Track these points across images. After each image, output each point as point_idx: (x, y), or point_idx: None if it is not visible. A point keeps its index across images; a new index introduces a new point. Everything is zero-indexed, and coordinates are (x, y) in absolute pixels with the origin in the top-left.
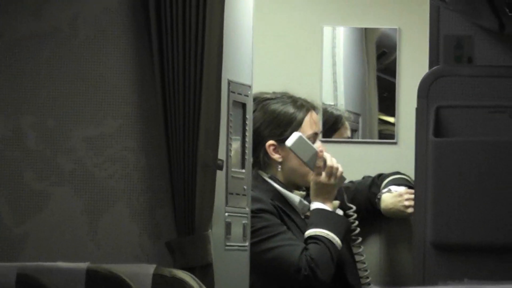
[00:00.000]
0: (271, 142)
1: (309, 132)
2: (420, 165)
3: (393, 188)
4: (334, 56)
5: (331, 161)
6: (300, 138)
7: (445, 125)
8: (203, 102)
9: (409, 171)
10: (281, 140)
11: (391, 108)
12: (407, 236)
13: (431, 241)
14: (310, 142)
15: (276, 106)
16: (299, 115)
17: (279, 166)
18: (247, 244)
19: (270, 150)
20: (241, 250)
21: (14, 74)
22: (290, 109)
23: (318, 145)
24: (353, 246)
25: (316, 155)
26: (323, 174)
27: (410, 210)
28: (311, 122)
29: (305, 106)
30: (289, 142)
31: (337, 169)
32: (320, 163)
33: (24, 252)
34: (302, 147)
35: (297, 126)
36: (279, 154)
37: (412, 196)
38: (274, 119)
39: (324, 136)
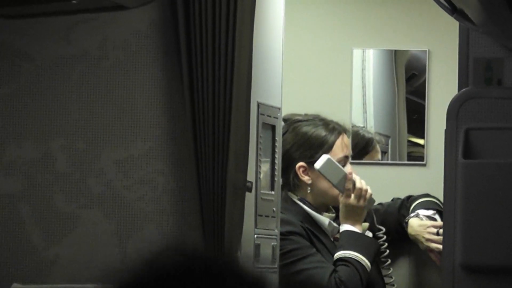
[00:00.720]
0: (301, 164)
1: (340, 155)
2: (449, 187)
3: (421, 212)
4: (364, 78)
5: (360, 183)
6: (328, 160)
7: (475, 147)
8: (233, 124)
9: (439, 193)
10: (312, 162)
11: (421, 130)
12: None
13: (461, 263)
14: (338, 165)
15: (308, 128)
16: (331, 138)
17: (309, 188)
18: (276, 266)
19: (300, 172)
20: (270, 272)
21: (45, 97)
22: (322, 132)
23: (348, 168)
24: (382, 268)
25: (345, 177)
26: (352, 196)
27: (428, 243)
28: (343, 145)
29: (336, 129)
30: (318, 164)
31: (366, 191)
32: (349, 185)
33: (54, 274)
34: (331, 170)
35: (328, 149)
36: (309, 176)
37: (434, 230)
38: (305, 141)
39: (354, 158)
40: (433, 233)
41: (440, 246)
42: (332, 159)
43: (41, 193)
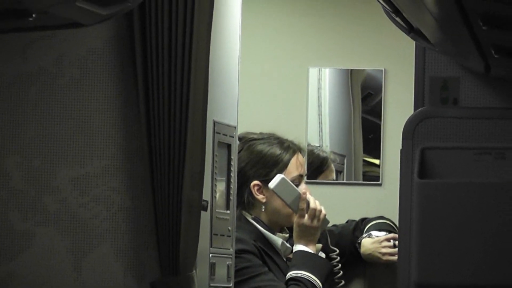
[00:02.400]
0: (256, 182)
1: (295, 174)
2: (404, 206)
3: (374, 233)
4: (320, 97)
5: (314, 203)
6: (283, 180)
7: (430, 167)
8: (189, 143)
9: (394, 212)
10: (266, 180)
11: (376, 149)
12: (391, 280)
13: (416, 283)
14: (293, 184)
15: (263, 147)
16: (286, 156)
17: (263, 207)
18: (231, 285)
19: (254, 190)
20: None
21: (0, 114)
22: (277, 150)
23: (303, 187)
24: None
25: (299, 197)
26: (306, 216)
27: (386, 257)
28: (297, 164)
29: (291, 147)
30: (272, 184)
31: (320, 211)
32: (303, 205)
33: None
34: (285, 189)
35: (283, 167)
36: (263, 195)
37: (390, 243)
38: (260, 159)
39: (309, 178)
40: (389, 246)
41: None
42: (286, 178)
43: None
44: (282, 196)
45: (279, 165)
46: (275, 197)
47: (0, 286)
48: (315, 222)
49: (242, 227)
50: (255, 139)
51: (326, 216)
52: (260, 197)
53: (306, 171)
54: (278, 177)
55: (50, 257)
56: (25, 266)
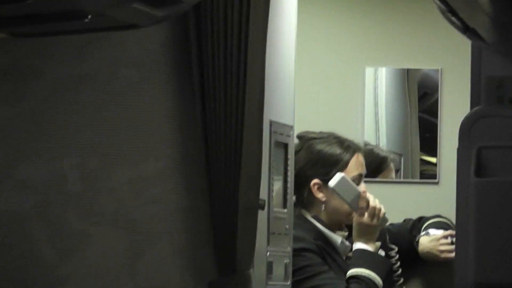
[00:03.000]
0: (316, 181)
1: (355, 173)
2: (461, 205)
3: (431, 231)
4: (376, 96)
5: (374, 202)
6: (343, 178)
7: (487, 166)
8: (245, 143)
9: (451, 211)
10: (326, 180)
11: (433, 148)
12: (449, 279)
13: (474, 282)
14: (353, 183)
15: (322, 146)
16: (346, 156)
17: (323, 206)
18: (288, 283)
19: (314, 189)
20: None
21: (57, 116)
22: (337, 150)
23: (362, 187)
24: (395, 286)
25: (359, 196)
26: (366, 215)
27: (444, 255)
28: (357, 164)
29: (351, 147)
30: (332, 182)
31: (380, 210)
32: (363, 204)
33: None
34: (345, 188)
35: (343, 166)
36: (323, 194)
37: (448, 241)
38: (320, 158)
39: (368, 177)
40: (447, 244)
41: None
42: (346, 177)
43: (53, 211)
44: (342, 195)
45: (339, 165)
46: (335, 195)
47: (58, 286)
48: (374, 221)
49: (301, 225)
50: (314, 138)
51: (386, 215)
52: (320, 195)
53: (365, 171)
54: (338, 176)
55: (107, 257)
56: (82, 267)
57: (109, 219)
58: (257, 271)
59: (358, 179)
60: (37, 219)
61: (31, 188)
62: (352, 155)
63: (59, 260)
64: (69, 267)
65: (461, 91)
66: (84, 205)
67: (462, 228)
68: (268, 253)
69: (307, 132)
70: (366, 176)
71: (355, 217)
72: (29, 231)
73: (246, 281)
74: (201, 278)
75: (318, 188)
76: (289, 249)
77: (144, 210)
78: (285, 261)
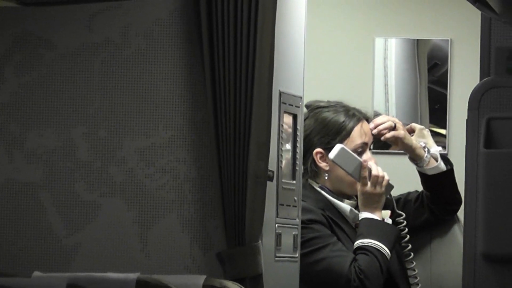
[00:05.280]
0: (318, 150)
1: (358, 141)
2: (470, 176)
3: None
4: (386, 67)
5: (376, 170)
6: (342, 149)
7: (496, 137)
8: (254, 113)
9: (460, 182)
10: (329, 148)
11: (443, 119)
12: (458, 247)
13: (482, 253)
14: (353, 153)
15: (328, 114)
16: (349, 124)
17: (326, 175)
18: (297, 255)
19: (317, 158)
20: (291, 261)
21: (67, 85)
22: (341, 118)
23: (365, 156)
24: (403, 254)
25: (361, 165)
26: (369, 183)
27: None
28: (361, 132)
29: (356, 115)
30: (332, 154)
31: (382, 177)
32: (365, 173)
33: (75, 262)
34: (346, 158)
35: (346, 135)
36: (326, 163)
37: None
38: (324, 127)
39: (379, 148)
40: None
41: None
42: (345, 148)
43: (62, 181)
44: (343, 166)
45: (342, 133)
46: (336, 166)
47: (67, 257)
48: (378, 189)
49: (308, 196)
50: (321, 107)
51: (390, 182)
52: (323, 165)
53: (371, 140)
54: (337, 147)
55: (116, 227)
56: (92, 237)
57: (118, 189)
58: (266, 243)
59: (362, 148)
60: (46, 189)
61: (40, 158)
62: (356, 123)
63: (68, 230)
64: (78, 237)
65: (471, 62)
66: (94, 175)
67: (470, 199)
68: (276, 225)
69: (316, 101)
70: (377, 147)
71: (358, 187)
72: (39, 202)
73: (255, 253)
74: (211, 249)
75: (321, 157)
76: (297, 220)
77: (153, 180)
78: (293, 233)
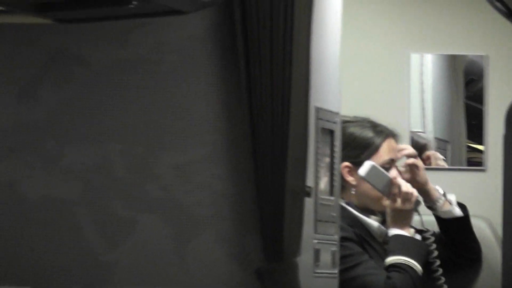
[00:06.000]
0: (346, 164)
1: (386, 158)
2: (508, 192)
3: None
4: (422, 83)
5: (406, 187)
6: (372, 167)
7: None
8: (291, 129)
9: (498, 199)
10: (356, 163)
11: (480, 135)
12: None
13: None
14: (383, 170)
15: (355, 129)
16: (377, 140)
17: (353, 189)
18: (336, 271)
19: (344, 172)
20: (330, 277)
21: (102, 102)
22: (369, 133)
23: (393, 172)
24: (432, 269)
25: (390, 182)
26: (399, 200)
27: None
28: (389, 149)
29: (384, 132)
30: (362, 171)
31: (412, 194)
32: (395, 190)
33: (113, 279)
34: (376, 175)
35: (374, 151)
36: (353, 177)
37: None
38: (351, 141)
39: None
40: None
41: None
42: (376, 165)
43: (99, 197)
44: (373, 183)
45: (370, 148)
46: (366, 183)
47: (105, 274)
48: (407, 205)
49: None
50: (348, 122)
51: (418, 198)
52: (350, 179)
53: (399, 156)
54: (367, 164)
55: (153, 244)
56: (129, 254)
57: (155, 205)
58: (304, 259)
59: (390, 164)
60: (83, 205)
61: (77, 174)
62: (384, 140)
63: (105, 247)
64: (116, 254)
65: (507, 77)
66: (130, 191)
67: (509, 215)
68: (315, 241)
69: (343, 116)
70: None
71: (388, 204)
72: (76, 218)
73: (293, 269)
74: (249, 265)
75: (349, 172)
76: (336, 236)
77: (190, 197)
78: (332, 249)
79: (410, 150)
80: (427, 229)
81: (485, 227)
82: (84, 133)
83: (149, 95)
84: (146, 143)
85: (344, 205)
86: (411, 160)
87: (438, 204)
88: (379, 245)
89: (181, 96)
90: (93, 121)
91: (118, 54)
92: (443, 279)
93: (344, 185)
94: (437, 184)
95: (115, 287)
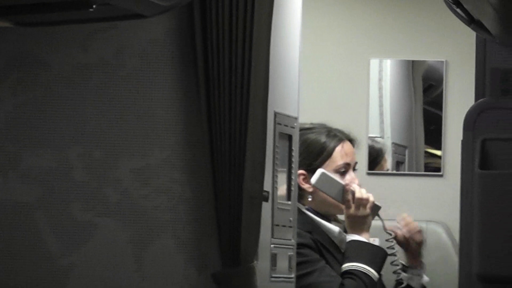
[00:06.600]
0: (301, 171)
1: (340, 162)
2: (466, 197)
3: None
4: (381, 88)
5: (359, 192)
6: (322, 174)
7: (491, 158)
8: (249, 134)
9: (455, 203)
10: (311, 170)
11: (438, 140)
12: (453, 268)
13: (478, 274)
14: (335, 177)
15: (310, 136)
16: (330, 145)
17: (310, 196)
18: (292, 275)
19: (300, 179)
20: (287, 282)
21: (62, 105)
22: (322, 139)
23: (350, 177)
24: (394, 273)
25: (343, 188)
26: (353, 206)
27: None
28: (343, 153)
29: (337, 136)
30: (313, 179)
31: (367, 199)
32: (348, 196)
33: (69, 283)
34: (328, 183)
35: (328, 156)
36: (309, 184)
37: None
38: (305, 148)
39: (369, 169)
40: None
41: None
42: (326, 172)
43: (57, 201)
44: (325, 191)
45: (323, 154)
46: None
47: (61, 277)
48: (362, 211)
49: (297, 219)
50: (304, 129)
51: (376, 203)
52: (306, 186)
53: (355, 160)
54: (318, 172)
55: (111, 248)
56: (87, 257)
57: (113, 209)
58: (261, 263)
59: (344, 168)
60: (41, 209)
61: (35, 178)
62: (337, 144)
63: (63, 250)
64: (73, 258)
65: (466, 83)
66: (89, 195)
67: (466, 220)
68: (272, 245)
69: (301, 123)
70: (370, 167)
71: (344, 210)
72: (33, 222)
73: (250, 273)
74: (206, 270)
75: (304, 179)
76: (293, 241)
77: (148, 201)
78: (289, 254)
79: (415, 224)
80: (389, 232)
81: (442, 232)
82: (44, 137)
83: (109, 99)
84: (105, 147)
85: (304, 210)
86: (421, 237)
87: (420, 272)
88: (339, 252)
89: (141, 100)
90: (53, 124)
91: (79, 58)
92: (404, 284)
93: (301, 193)
94: (395, 189)
95: None
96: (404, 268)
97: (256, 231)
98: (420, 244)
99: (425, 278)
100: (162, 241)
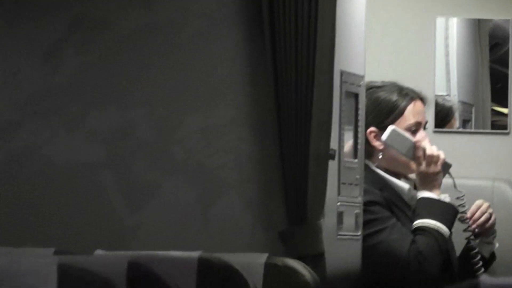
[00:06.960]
0: (372, 129)
1: (412, 121)
2: None
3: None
4: (447, 47)
5: (430, 149)
6: (394, 131)
7: None
8: (316, 92)
9: None
10: (382, 127)
11: (504, 98)
12: None
13: None
14: (406, 134)
15: (381, 94)
16: (402, 103)
17: (381, 154)
18: (359, 233)
19: (371, 137)
20: (353, 240)
21: (126, 66)
22: (394, 97)
23: (418, 136)
24: (464, 231)
25: (414, 146)
26: (424, 163)
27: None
28: (414, 111)
29: (409, 95)
30: (384, 136)
31: (438, 156)
32: (419, 153)
33: (136, 241)
34: (398, 140)
35: (399, 114)
36: (380, 142)
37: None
38: (376, 106)
39: (437, 127)
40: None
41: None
42: (397, 129)
43: (123, 161)
44: (396, 147)
45: (395, 112)
46: (390, 148)
47: (128, 236)
48: (433, 168)
49: (366, 176)
50: (375, 87)
51: (447, 160)
52: (376, 144)
53: (426, 119)
54: (389, 129)
55: (177, 207)
56: (152, 216)
57: (179, 168)
58: (328, 221)
59: (416, 127)
60: (106, 169)
61: (101, 138)
62: (409, 103)
63: (129, 210)
64: (139, 217)
65: None
66: (154, 154)
67: None
68: (338, 203)
69: (370, 81)
70: (436, 126)
71: (415, 168)
72: (99, 182)
73: (317, 231)
74: (272, 228)
75: (375, 136)
76: (359, 199)
77: (214, 159)
78: (355, 212)
79: (483, 218)
80: (459, 191)
81: (509, 190)
82: (109, 96)
83: (174, 59)
84: (170, 106)
85: (374, 168)
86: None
87: (491, 239)
88: (409, 208)
89: (206, 59)
90: (117, 84)
91: (143, 18)
92: (473, 237)
93: (372, 150)
94: (462, 147)
95: (139, 249)
96: (476, 235)
97: (322, 189)
98: (492, 226)
99: (496, 245)
100: (229, 200)
